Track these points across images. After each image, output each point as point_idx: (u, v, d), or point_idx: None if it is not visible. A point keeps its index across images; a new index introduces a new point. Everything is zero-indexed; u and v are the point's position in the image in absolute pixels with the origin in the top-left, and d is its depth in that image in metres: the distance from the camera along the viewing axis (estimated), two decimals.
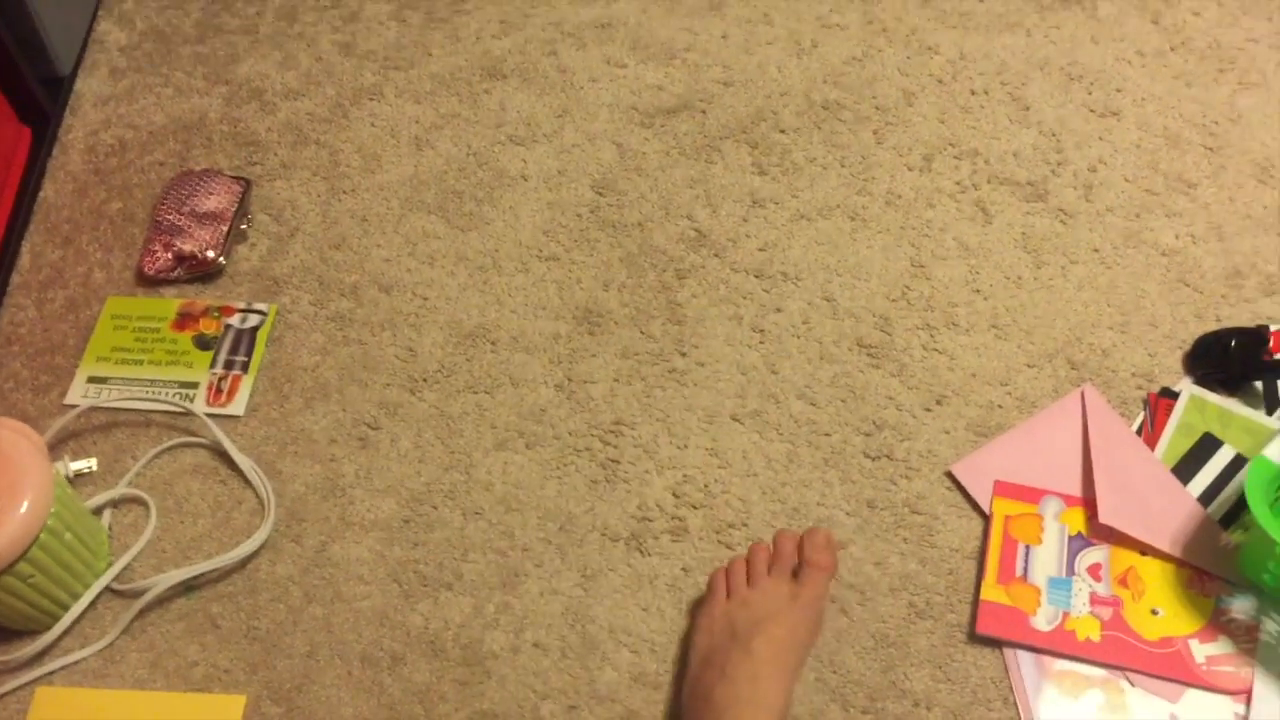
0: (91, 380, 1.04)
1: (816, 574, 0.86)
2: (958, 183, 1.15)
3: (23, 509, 0.81)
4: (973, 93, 1.21)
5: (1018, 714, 0.86)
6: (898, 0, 1.29)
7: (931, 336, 1.05)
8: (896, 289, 1.08)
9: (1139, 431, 0.98)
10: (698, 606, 0.90)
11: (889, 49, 1.25)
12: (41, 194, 1.16)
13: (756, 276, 1.09)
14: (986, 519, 0.95)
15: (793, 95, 1.22)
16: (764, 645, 0.82)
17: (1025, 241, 1.10)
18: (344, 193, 1.16)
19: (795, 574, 0.87)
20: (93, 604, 0.92)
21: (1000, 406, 1.01)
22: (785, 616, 0.84)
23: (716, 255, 1.11)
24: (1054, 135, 1.18)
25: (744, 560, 0.89)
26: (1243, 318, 1.05)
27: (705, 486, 0.98)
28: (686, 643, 0.89)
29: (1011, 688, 0.87)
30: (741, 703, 0.79)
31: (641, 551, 0.95)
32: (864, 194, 1.14)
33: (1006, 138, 1.18)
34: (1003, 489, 0.95)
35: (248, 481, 0.98)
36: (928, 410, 1.01)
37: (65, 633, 0.91)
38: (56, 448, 1.00)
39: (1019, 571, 0.91)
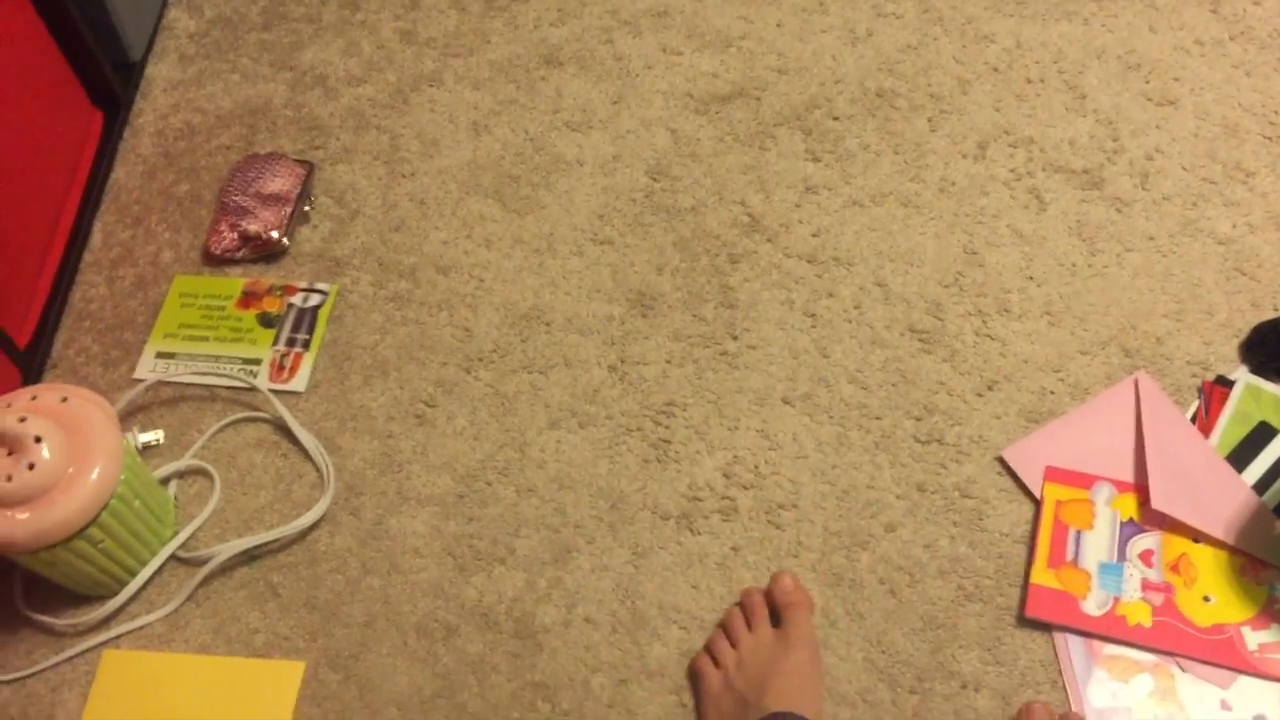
0: (159, 355, 1.07)
1: (796, 612, 0.87)
2: (1012, 170, 1.15)
3: (94, 475, 0.84)
4: (1029, 81, 1.21)
5: (1066, 697, 0.86)
6: None
7: (984, 322, 1.05)
8: (949, 275, 1.08)
9: (1193, 419, 0.98)
10: (697, 688, 0.89)
11: (944, 38, 1.25)
12: (113, 176, 1.19)
13: (809, 262, 1.10)
14: (1037, 504, 0.95)
15: (847, 83, 1.22)
16: (776, 698, 0.82)
17: (1080, 229, 1.10)
18: (404, 176, 1.18)
19: (776, 622, 0.88)
20: (159, 571, 0.95)
21: (1052, 393, 1.01)
22: (782, 663, 0.84)
23: (769, 240, 1.11)
24: (1110, 124, 1.17)
25: (721, 635, 0.90)
26: None
27: (755, 467, 0.99)
28: None
29: (1060, 671, 0.88)
30: None
31: (691, 530, 0.96)
32: (917, 181, 1.15)
33: (1062, 126, 1.17)
34: (1054, 474, 0.95)
35: (308, 456, 1.01)
36: (979, 395, 1.01)
37: (132, 598, 0.94)
38: (126, 420, 1.03)
39: (1069, 556, 0.91)
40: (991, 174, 1.14)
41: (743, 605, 0.91)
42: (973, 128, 1.18)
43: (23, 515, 0.82)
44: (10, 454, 0.83)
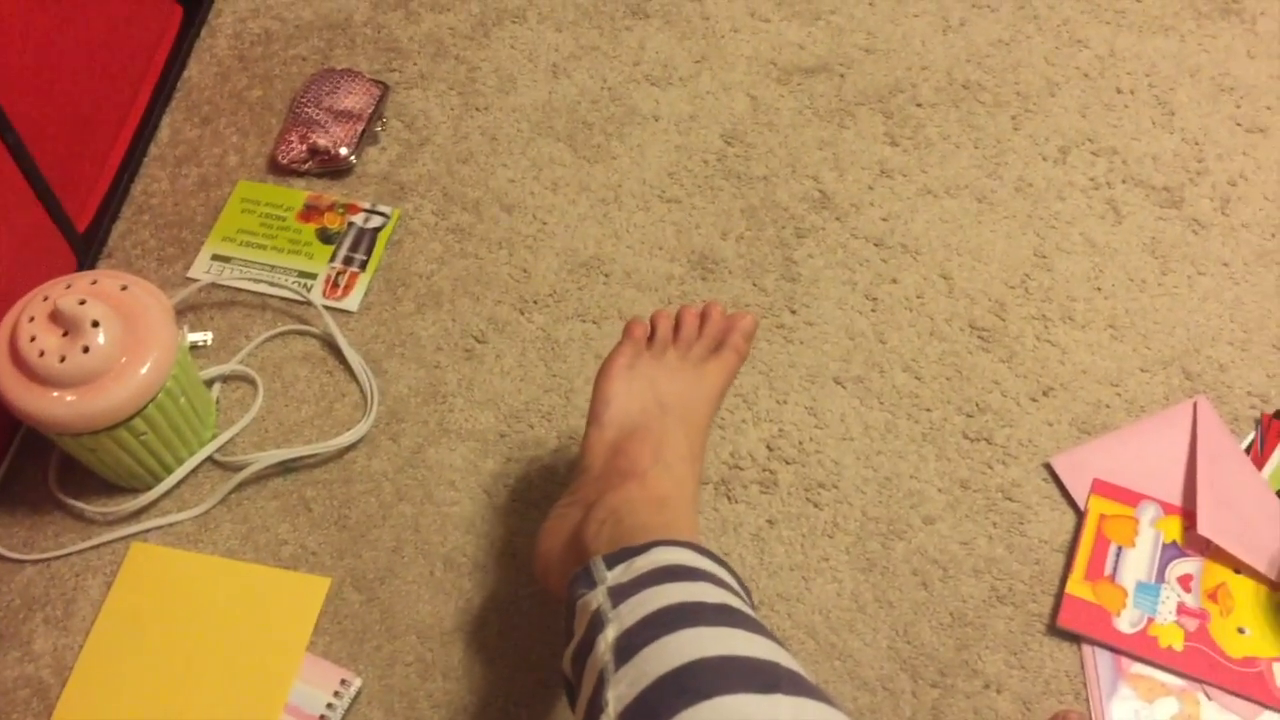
0: (215, 258, 1.06)
1: (732, 356, 0.84)
2: (1091, 179, 1.13)
3: (146, 367, 0.84)
4: (1118, 91, 1.19)
5: (1088, 710, 0.86)
6: None
7: (1046, 328, 1.04)
8: (1016, 276, 1.07)
9: (1248, 451, 0.97)
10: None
11: (1038, 36, 1.23)
12: (186, 73, 1.18)
13: (876, 245, 1.08)
14: (1081, 515, 0.94)
15: (934, 70, 1.20)
16: (677, 417, 0.80)
17: (1154, 246, 1.08)
18: (477, 110, 1.17)
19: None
20: (194, 471, 0.95)
21: (1108, 406, 0.99)
22: (696, 391, 0.82)
23: (838, 219, 1.10)
24: (1196, 144, 1.15)
25: (668, 318, 0.86)
26: None
27: (800, 444, 0.98)
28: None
29: (1085, 683, 0.87)
30: (666, 448, 0.78)
31: (729, 498, 0.95)
32: (994, 178, 1.13)
33: (1147, 140, 1.15)
34: (1101, 488, 0.94)
35: (353, 375, 1.00)
36: (1033, 400, 1.00)
37: (165, 494, 0.93)
38: (176, 317, 1.02)
39: (1108, 571, 0.90)
40: (1070, 180, 1.13)
41: (704, 321, 0.86)
42: (1056, 131, 1.16)
43: (70, 397, 0.82)
44: (66, 335, 0.82)
